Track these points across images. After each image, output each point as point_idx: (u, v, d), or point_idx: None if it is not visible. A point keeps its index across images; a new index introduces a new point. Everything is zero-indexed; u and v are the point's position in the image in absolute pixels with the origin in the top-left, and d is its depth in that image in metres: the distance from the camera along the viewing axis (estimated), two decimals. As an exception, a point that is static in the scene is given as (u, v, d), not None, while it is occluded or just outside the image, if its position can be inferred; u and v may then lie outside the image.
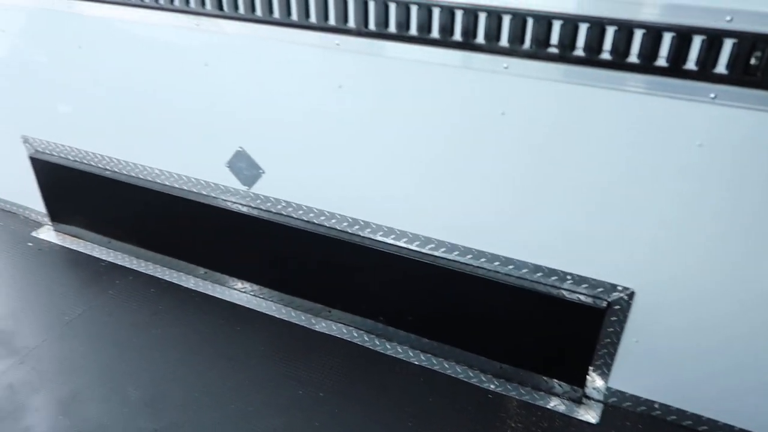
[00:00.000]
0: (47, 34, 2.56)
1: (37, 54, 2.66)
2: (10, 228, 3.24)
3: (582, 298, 2.00)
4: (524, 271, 2.07)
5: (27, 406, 2.17)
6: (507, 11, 1.66)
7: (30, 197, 3.18)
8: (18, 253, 3.05)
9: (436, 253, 2.19)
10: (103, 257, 2.97)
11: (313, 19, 1.95)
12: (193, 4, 2.14)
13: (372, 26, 1.87)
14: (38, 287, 2.83)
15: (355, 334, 2.51)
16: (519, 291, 2.08)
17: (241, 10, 2.06)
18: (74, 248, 3.05)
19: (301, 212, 2.38)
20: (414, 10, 1.79)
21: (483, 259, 2.12)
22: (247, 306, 2.66)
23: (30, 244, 3.11)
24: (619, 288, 1.95)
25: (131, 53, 2.39)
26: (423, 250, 2.21)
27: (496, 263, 2.10)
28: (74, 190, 2.98)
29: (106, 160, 2.76)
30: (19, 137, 2.97)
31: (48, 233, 3.17)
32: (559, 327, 2.13)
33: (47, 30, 2.54)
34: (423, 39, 1.81)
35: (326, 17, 1.93)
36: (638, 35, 1.54)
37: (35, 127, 2.91)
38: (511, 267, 2.09)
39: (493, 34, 1.71)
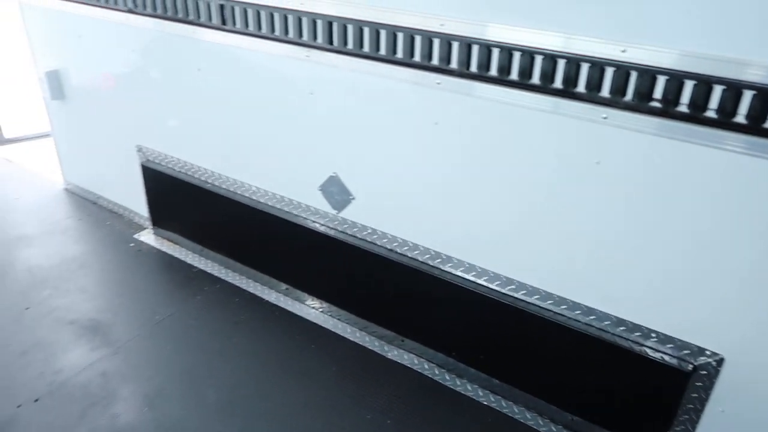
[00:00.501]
0: (171, 55, 2.80)
1: (159, 73, 2.91)
2: (116, 228, 3.52)
3: (666, 358, 1.93)
4: (606, 323, 2.03)
5: (117, 394, 2.34)
6: (611, 63, 1.67)
7: (136, 201, 3.45)
8: (120, 252, 3.30)
9: (516, 295, 2.19)
10: (195, 264, 3.16)
11: (417, 58, 2.04)
12: (305, 36, 2.29)
13: (474, 68, 1.93)
14: (135, 285, 3.05)
15: (426, 366, 2.52)
16: (599, 342, 2.04)
17: (350, 45, 2.18)
18: (170, 252, 3.27)
19: (385, 240, 2.45)
20: (516, 56, 1.84)
21: (564, 306, 2.10)
22: (324, 326, 2.75)
23: (131, 244, 3.35)
24: (708, 352, 1.87)
25: (243, 78, 2.58)
26: (503, 290, 2.21)
27: (577, 312, 2.07)
28: (176, 199, 3.21)
29: (208, 173, 2.96)
30: (134, 146, 3.24)
31: (148, 236, 3.41)
32: (638, 385, 2.05)
33: (171, 52, 2.79)
34: (523, 84, 1.85)
35: (430, 57, 2.02)
36: (747, 96, 1.51)
37: (149, 138, 3.17)
38: (592, 318, 2.05)
39: (595, 84, 1.73)
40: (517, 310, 2.18)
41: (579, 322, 2.08)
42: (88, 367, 2.47)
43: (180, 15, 2.63)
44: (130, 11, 2.81)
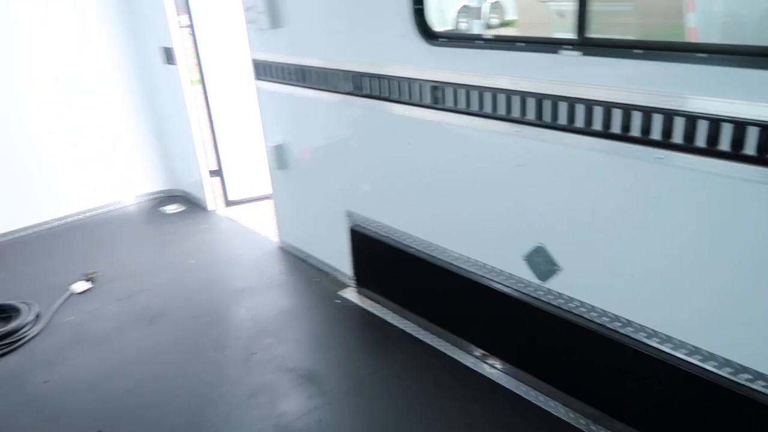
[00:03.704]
0: (384, 132, 3.09)
1: (371, 147, 3.22)
2: (322, 285, 3.87)
3: None
4: None
5: (331, 444, 2.54)
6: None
7: (341, 261, 3.78)
8: (327, 307, 3.62)
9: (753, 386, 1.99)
10: (395, 323, 3.35)
11: (635, 132, 2.03)
12: (515, 113, 2.40)
13: (700, 143, 1.87)
14: (341, 340, 3.31)
15: (638, 452, 2.37)
16: None
17: (561, 120, 2.24)
18: (372, 311, 3.50)
19: (594, 314, 2.39)
20: (753, 131, 1.75)
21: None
22: (524, 396, 2.72)
23: (337, 300, 3.66)
24: None
25: (452, 151, 2.76)
26: (735, 379, 2.02)
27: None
28: (379, 261, 3.45)
29: (412, 238, 3.15)
30: (344, 211, 3.58)
31: (351, 294, 3.70)
32: None
33: (384, 128, 3.08)
34: (761, 159, 1.75)
35: (648, 131, 1.99)
36: None
37: (358, 204, 3.48)
38: None
39: None
40: (753, 401, 1.98)
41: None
42: (306, 414, 2.71)
43: (394, 96, 2.91)
44: (350, 93, 3.17)
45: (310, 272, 4.04)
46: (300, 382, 2.94)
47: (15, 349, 3.36)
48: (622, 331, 2.32)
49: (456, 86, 2.58)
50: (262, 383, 2.94)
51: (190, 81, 4.90)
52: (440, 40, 2.60)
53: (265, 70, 3.81)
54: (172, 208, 5.37)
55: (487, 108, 2.49)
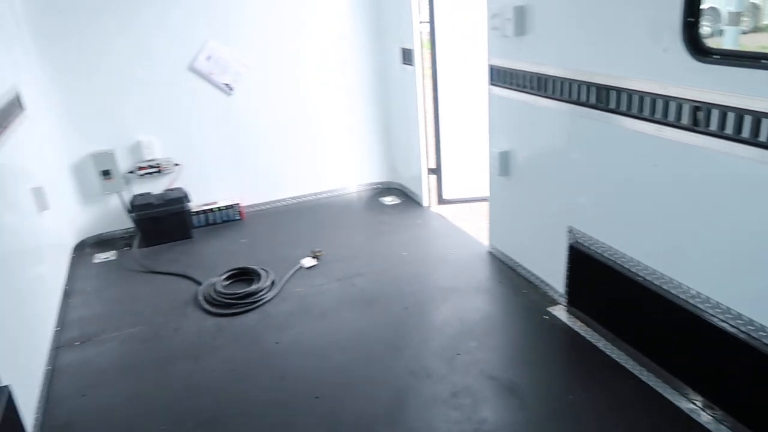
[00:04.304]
0: (625, 150, 2.90)
1: (607, 164, 3.05)
2: (531, 297, 3.79)
3: None
4: None
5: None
6: None
7: (554, 277, 3.66)
8: (534, 322, 3.54)
9: None
10: (607, 351, 3.15)
11: None
12: None
13: None
14: (547, 358, 3.22)
15: None
16: None
17: None
18: (582, 333, 3.35)
19: None
20: None
21: None
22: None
23: (545, 317, 3.56)
24: None
25: (707, 179, 2.49)
26: None
27: None
28: (598, 283, 3.27)
29: (641, 266, 2.93)
30: (565, 226, 3.45)
31: (561, 312, 3.57)
32: None
33: (626, 146, 2.89)
34: None
35: None
36: None
37: (582, 221, 3.33)
38: None
39: None
40: None
41: None
42: (507, 426, 2.70)
43: (642, 113, 2.71)
44: (590, 106, 3.03)
45: (519, 282, 3.99)
46: (502, 392, 2.92)
47: (254, 309, 3.86)
48: None
49: (726, 109, 2.31)
50: (465, 385, 2.99)
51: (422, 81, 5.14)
52: (713, 57, 2.35)
53: (500, 76, 3.83)
54: (389, 200, 5.70)
55: (764, 136, 2.20)
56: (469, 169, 5.34)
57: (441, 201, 5.60)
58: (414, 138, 5.33)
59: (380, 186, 6.03)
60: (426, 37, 5.09)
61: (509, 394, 2.91)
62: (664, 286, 2.80)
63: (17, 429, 2.55)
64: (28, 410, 2.77)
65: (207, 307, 3.88)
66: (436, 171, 5.49)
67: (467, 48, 5.02)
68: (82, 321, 3.86)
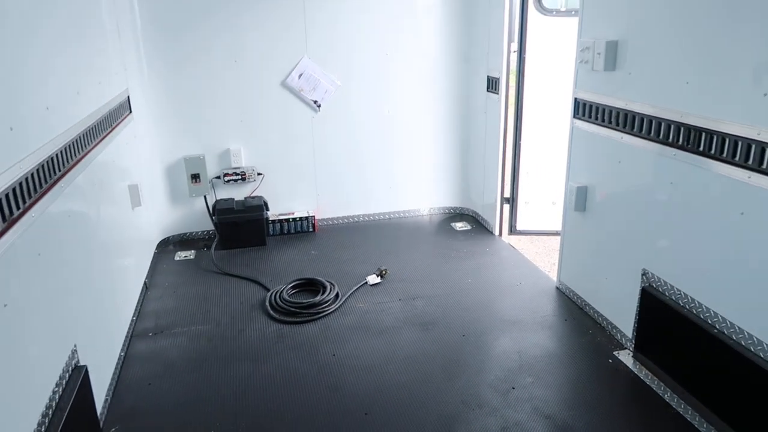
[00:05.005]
0: (709, 195, 2.76)
1: (689, 208, 2.91)
2: (596, 339, 3.65)
3: None
4: None
5: None
6: None
7: (623, 320, 3.51)
8: (597, 365, 3.40)
9: None
10: (673, 404, 2.98)
11: None
12: None
13: None
14: (607, 404, 3.07)
15: None
16: None
17: None
18: (647, 382, 3.18)
19: None
20: None
21: None
22: None
23: (610, 360, 3.41)
24: None
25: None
26: None
27: None
28: (671, 332, 3.11)
29: (719, 319, 2.76)
30: (639, 269, 3.31)
31: (627, 358, 3.41)
32: None
33: (711, 192, 2.75)
34: None
35: None
36: None
37: (658, 266, 3.18)
38: None
39: None
40: None
41: None
42: (556, 469, 2.61)
43: (736, 159, 2.57)
44: (679, 147, 2.91)
45: (585, 321, 3.85)
46: (555, 432, 2.83)
47: (316, 319, 3.96)
48: None
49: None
50: (517, 420, 2.91)
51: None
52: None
53: (585, 110, 3.75)
54: (460, 225, 5.68)
55: None
56: (543, 201, 5.24)
57: (513, 231, 5.53)
58: (492, 166, 5.30)
59: (453, 211, 6.03)
60: (512, 66, 5.08)
61: (562, 436, 2.81)
62: (743, 342, 2.62)
63: (89, 406, 2.75)
64: (100, 391, 2.97)
65: (272, 313, 4.02)
66: (511, 201, 5.43)
67: (553, 79, 4.97)
68: (157, 313, 4.10)
